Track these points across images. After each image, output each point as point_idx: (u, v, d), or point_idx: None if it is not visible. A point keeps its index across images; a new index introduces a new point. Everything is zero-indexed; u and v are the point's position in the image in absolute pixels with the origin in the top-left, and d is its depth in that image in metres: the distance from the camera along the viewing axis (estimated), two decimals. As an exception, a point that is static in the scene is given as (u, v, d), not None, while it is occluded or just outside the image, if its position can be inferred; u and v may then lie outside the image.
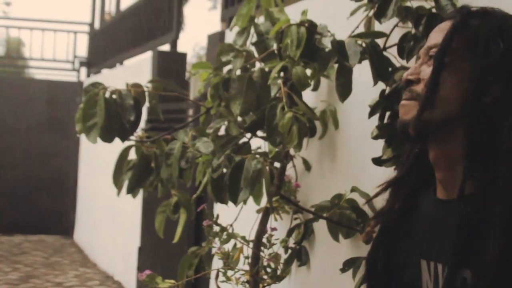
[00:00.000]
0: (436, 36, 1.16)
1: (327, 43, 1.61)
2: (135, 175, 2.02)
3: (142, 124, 4.63)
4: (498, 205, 1.01)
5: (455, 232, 1.06)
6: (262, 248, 2.05)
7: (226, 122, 1.80)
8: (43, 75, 10.05)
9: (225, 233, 1.81)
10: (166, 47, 5.29)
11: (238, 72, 1.79)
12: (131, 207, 5.33)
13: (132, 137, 2.10)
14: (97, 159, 6.74)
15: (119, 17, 7.38)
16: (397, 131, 1.18)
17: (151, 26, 5.63)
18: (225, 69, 1.90)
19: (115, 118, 1.77)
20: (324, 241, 2.31)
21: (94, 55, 8.70)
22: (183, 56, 5.04)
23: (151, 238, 4.73)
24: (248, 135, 1.86)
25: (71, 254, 7.67)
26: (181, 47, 5.31)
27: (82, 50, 9.54)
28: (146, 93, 1.97)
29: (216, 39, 3.56)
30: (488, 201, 1.04)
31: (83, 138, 7.31)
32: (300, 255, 2.39)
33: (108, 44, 7.67)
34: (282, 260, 2.23)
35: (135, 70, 5.92)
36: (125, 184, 2.08)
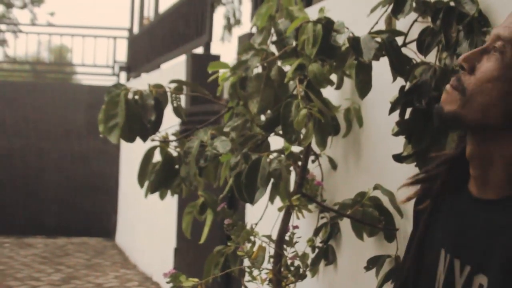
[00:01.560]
0: (504, 23, 1.06)
1: (342, 40, 1.60)
2: (158, 175, 2.04)
3: (177, 126, 4.68)
4: None
5: (495, 237, 1.01)
6: (285, 246, 2.05)
7: (246, 120, 1.80)
8: (85, 80, 10.25)
9: (244, 231, 1.82)
10: (200, 50, 5.34)
11: (256, 70, 1.80)
12: (167, 208, 5.39)
13: (156, 138, 2.13)
14: (136, 162, 6.83)
15: (156, 21, 7.48)
16: (434, 116, 1.10)
17: (186, 30, 5.69)
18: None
19: (135, 118, 1.79)
20: (350, 239, 2.30)
21: (133, 59, 8.84)
22: (216, 58, 5.07)
23: (186, 239, 4.76)
24: (266, 133, 1.87)
25: (112, 255, 7.79)
26: (218, 49, 5.35)
27: (122, 55, 9.70)
28: (168, 94, 1.99)
29: (246, 40, 3.58)
30: None
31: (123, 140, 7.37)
32: (327, 254, 2.39)
33: (146, 48, 7.78)
34: (309, 260, 2.23)
35: (171, 73, 5.99)
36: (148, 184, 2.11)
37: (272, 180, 1.81)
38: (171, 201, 4.60)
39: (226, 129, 1.78)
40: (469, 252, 1.06)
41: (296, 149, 2.22)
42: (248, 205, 3.35)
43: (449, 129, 1.18)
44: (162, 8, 7.72)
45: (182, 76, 5.22)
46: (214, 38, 5.06)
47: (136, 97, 1.89)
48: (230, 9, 15.32)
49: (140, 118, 1.81)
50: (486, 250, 1.02)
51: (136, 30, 9.09)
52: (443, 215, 1.18)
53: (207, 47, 5.12)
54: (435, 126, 1.22)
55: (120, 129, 1.77)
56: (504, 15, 1.58)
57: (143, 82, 7.64)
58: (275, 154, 1.71)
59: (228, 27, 15.28)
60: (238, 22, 15.19)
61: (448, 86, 1.08)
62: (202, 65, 4.98)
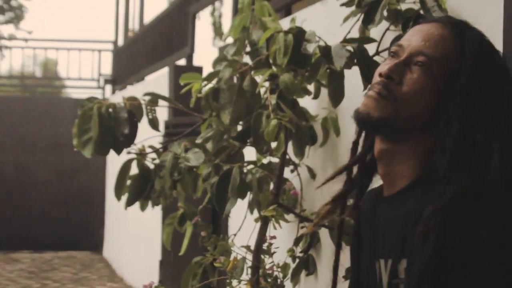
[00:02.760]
0: (426, 42, 1.16)
1: (312, 49, 1.61)
2: (134, 187, 2.03)
3: (160, 138, 4.68)
4: (436, 201, 1.06)
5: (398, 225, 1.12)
6: (262, 256, 2.04)
7: (217, 131, 1.80)
8: (71, 94, 10.22)
9: (219, 243, 1.81)
10: (183, 61, 5.34)
11: (229, 81, 1.80)
12: (153, 220, 5.37)
13: (133, 150, 2.13)
14: (121, 175, 6.80)
15: (140, 33, 7.48)
16: (358, 121, 1.19)
17: (169, 42, 5.69)
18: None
19: (108, 132, 1.79)
20: (330, 249, 2.30)
21: (118, 72, 8.83)
22: (199, 69, 5.08)
23: (171, 251, 4.75)
24: (239, 143, 1.87)
25: (100, 269, 7.74)
26: (199, 61, 5.35)
27: (107, 68, 9.69)
28: (143, 106, 1.99)
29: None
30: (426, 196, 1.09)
31: (110, 153, 7.34)
32: (307, 264, 2.38)
33: (130, 60, 7.77)
34: (290, 270, 2.22)
35: (154, 85, 5.99)
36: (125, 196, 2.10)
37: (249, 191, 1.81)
38: (156, 212, 4.58)
39: (198, 141, 1.78)
40: (389, 248, 1.14)
41: (274, 159, 2.22)
42: (231, 216, 3.34)
43: (373, 133, 1.25)
44: (147, 20, 7.72)
45: (165, 88, 5.22)
46: (198, 49, 5.07)
47: (110, 109, 1.88)
48: (212, 20, 15.33)
49: (113, 132, 1.80)
50: (402, 238, 1.11)
51: (121, 42, 9.08)
52: (365, 227, 1.28)
53: (189, 58, 5.12)
54: (359, 130, 1.30)
55: (94, 143, 1.76)
56: (472, 21, 1.60)
57: (128, 95, 7.62)
58: (251, 166, 1.70)
59: (218, 33, 15.28)
60: (219, 33, 15.19)
61: (374, 94, 1.17)
62: (184, 77, 4.99)
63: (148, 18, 7.56)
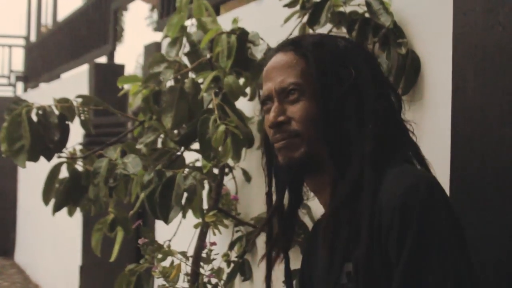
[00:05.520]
0: (284, 74, 1.22)
1: (258, 54, 1.56)
2: (63, 193, 1.92)
3: (80, 138, 4.51)
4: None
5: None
6: (202, 263, 1.99)
7: (159, 135, 1.73)
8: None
9: (161, 250, 1.74)
10: (104, 59, 5.18)
11: (169, 83, 1.72)
12: (72, 223, 5.18)
13: (64, 154, 2.02)
14: (37, 177, 6.53)
15: (56, 29, 7.20)
16: (286, 170, 1.24)
17: (88, 38, 5.51)
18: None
19: (39, 139, 1.68)
20: (266, 253, 2.26)
21: (30, 69, 8.47)
22: (121, 67, 4.94)
23: (92, 257, 4.59)
24: (181, 148, 1.80)
25: (12, 275, 7.41)
26: (121, 58, 5.22)
27: (18, 64, 9.28)
28: (76, 108, 1.88)
29: (152, 50, 3.49)
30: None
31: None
32: (243, 269, 2.34)
33: (45, 57, 7.47)
34: (225, 275, 2.17)
35: (73, 84, 5.78)
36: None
37: (185, 195, 1.75)
38: (75, 215, 4.42)
39: (139, 146, 1.70)
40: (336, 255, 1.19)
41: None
42: (158, 221, 3.25)
43: (305, 171, 1.27)
44: (61, 16, 7.45)
45: (85, 87, 5.04)
46: (122, 46, 4.91)
47: (40, 112, 1.77)
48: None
49: (43, 139, 1.70)
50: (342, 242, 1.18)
51: (33, 38, 8.72)
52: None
53: (111, 56, 4.97)
54: (289, 180, 1.33)
55: (27, 152, 1.65)
56: (417, 27, 1.60)
57: (42, 93, 7.33)
58: (188, 170, 1.64)
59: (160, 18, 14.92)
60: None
61: (280, 144, 1.23)
62: (106, 75, 4.83)
63: (64, 13, 7.30)
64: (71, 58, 6.14)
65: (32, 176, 7.01)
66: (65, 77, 6.59)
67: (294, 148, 1.21)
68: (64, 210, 2.14)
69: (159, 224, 3.36)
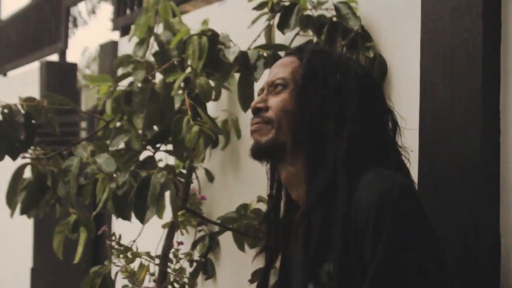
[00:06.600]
0: (279, 70, 1.36)
1: (230, 56, 1.59)
2: (29, 194, 1.90)
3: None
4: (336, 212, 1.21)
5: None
6: (169, 263, 1.99)
7: (134, 136, 1.73)
8: None
9: (129, 252, 1.74)
10: (55, 57, 5.08)
11: (140, 84, 1.73)
12: (21, 224, 5.07)
13: (27, 154, 1.99)
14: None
15: (2, 26, 7.02)
16: (253, 153, 1.37)
17: (38, 36, 5.39)
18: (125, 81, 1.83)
19: (4, 138, 1.66)
20: (230, 252, 2.28)
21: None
22: (73, 66, 4.86)
23: (45, 258, 4.52)
24: (152, 149, 1.80)
25: (-44, 278, 7.19)
26: (71, 54, 5.14)
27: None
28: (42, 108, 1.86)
29: (108, 49, 3.45)
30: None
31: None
32: (206, 268, 2.35)
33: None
34: (187, 274, 2.18)
35: (22, 82, 5.66)
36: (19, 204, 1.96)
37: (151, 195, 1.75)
38: (25, 216, 4.34)
39: (112, 148, 1.69)
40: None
41: (172, 162, 2.17)
42: (115, 221, 3.22)
43: (269, 158, 1.40)
44: (5, 14, 7.27)
45: (36, 85, 4.95)
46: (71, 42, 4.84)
47: (6, 110, 1.74)
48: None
49: (8, 137, 1.68)
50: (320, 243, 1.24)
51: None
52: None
53: (62, 54, 4.88)
54: (254, 158, 1.42)
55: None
56: (384, 30, 1.65)
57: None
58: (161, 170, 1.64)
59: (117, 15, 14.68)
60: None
61: (254, 127, 1.36)
62: (57, 74, 4.75)
63: (9, 10, 7.12)
64: (19, 55, 6.00)
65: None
66: (13, 75, 6.44)
67: (263, 133, 1.33)
68: (8, 210, 2.11)
69: (118, 224, 3.33)
